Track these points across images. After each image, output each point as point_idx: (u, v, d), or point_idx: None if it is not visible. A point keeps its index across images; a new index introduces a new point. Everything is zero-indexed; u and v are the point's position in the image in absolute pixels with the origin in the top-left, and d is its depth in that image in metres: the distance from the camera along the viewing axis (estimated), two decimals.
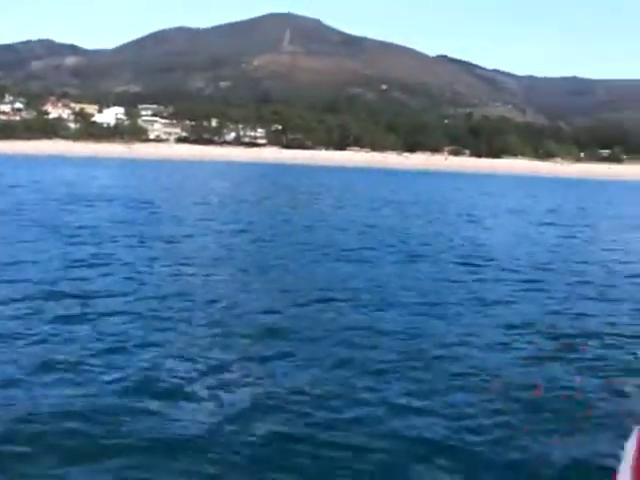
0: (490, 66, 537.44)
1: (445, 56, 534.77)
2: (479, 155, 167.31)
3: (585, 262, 19.28)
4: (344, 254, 18.66)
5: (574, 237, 26.10)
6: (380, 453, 6.52)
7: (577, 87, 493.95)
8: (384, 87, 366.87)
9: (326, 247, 19.83)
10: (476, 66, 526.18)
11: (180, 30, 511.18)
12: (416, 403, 7.75)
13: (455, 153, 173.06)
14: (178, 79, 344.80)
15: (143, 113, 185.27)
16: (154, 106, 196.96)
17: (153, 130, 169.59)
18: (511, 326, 11.17)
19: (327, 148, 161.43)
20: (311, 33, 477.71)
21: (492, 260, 18.65)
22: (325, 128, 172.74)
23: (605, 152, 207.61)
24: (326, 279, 14.73)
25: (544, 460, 6.47)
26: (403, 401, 7.78)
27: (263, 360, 9.00)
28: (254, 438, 6.72)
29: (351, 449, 6.56)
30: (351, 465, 6.28)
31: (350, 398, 7.80)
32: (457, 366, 9.03)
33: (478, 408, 7.64)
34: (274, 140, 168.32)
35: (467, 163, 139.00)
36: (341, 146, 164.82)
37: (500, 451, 6.65)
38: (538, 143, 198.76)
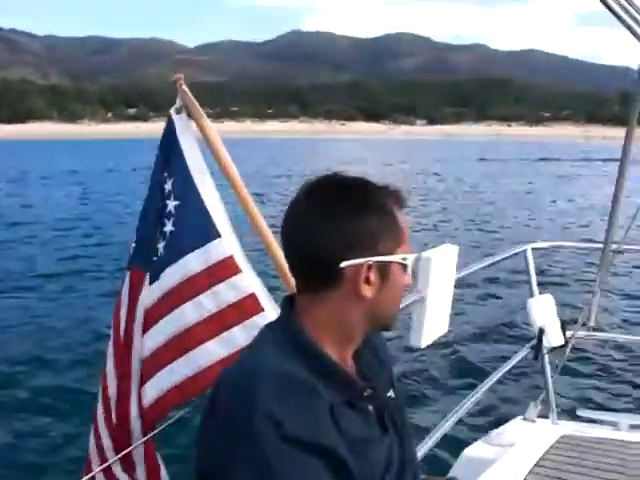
0: (7, 25, 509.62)
1: None
2: (1, 122, 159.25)
3: None
4: None
5: None
6: None
7: (100, 46, 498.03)
8: None
9: None
10: None
11: None
12: None
13: None
14: None
15: None
16: None
17: None
18: None
19: None
20: None
21: None
22: None
23: (132, 111, 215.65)
24: None
25: None
26: None
27: None
28: None
29: None
30: None
31: None
32: None
33: None
34: None
35: None
36: None
37: None
38: (64, 105, 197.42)
